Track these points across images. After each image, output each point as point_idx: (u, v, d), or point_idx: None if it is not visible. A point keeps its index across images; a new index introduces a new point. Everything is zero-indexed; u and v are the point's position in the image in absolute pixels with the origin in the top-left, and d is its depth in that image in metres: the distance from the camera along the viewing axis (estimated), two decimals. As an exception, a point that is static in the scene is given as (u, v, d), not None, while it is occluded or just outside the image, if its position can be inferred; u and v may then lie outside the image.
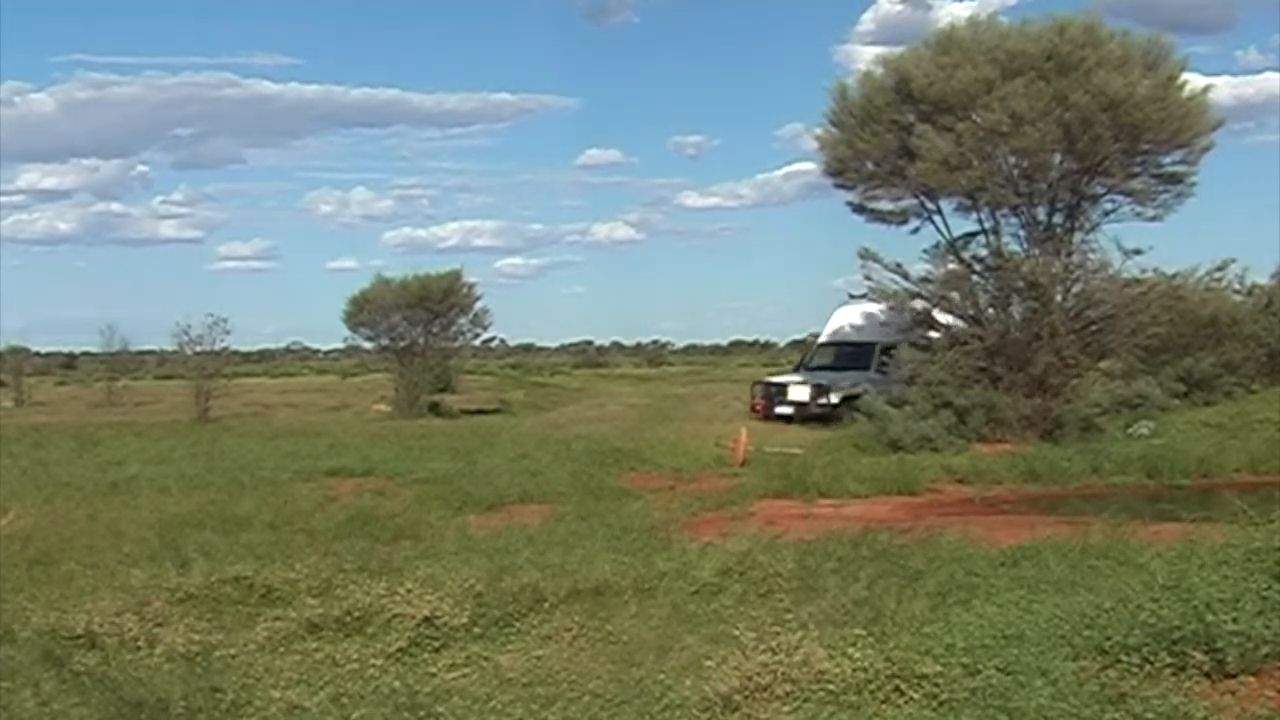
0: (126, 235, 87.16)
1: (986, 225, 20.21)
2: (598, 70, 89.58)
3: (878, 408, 18.81)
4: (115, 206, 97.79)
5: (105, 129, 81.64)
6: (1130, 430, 18.46)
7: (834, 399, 21.93)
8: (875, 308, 23.24)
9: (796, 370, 24.76)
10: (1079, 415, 18.47)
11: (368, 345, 33.94)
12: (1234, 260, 22.11)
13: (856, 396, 20.95)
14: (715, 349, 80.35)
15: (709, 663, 5.68)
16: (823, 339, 25.56)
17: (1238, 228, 56.97)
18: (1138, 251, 19.35)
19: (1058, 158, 19.43)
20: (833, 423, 21.09)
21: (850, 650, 5.61)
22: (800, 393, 22.52)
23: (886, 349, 22.27)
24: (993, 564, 8.15)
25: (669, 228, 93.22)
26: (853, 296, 23.94)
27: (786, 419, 22.02)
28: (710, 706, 5.29)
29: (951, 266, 20.35)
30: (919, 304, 20.70)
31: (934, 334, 20.62)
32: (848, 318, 24.76)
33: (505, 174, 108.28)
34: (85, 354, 54.31)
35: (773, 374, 26.07)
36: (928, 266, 20.65)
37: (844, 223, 22.23)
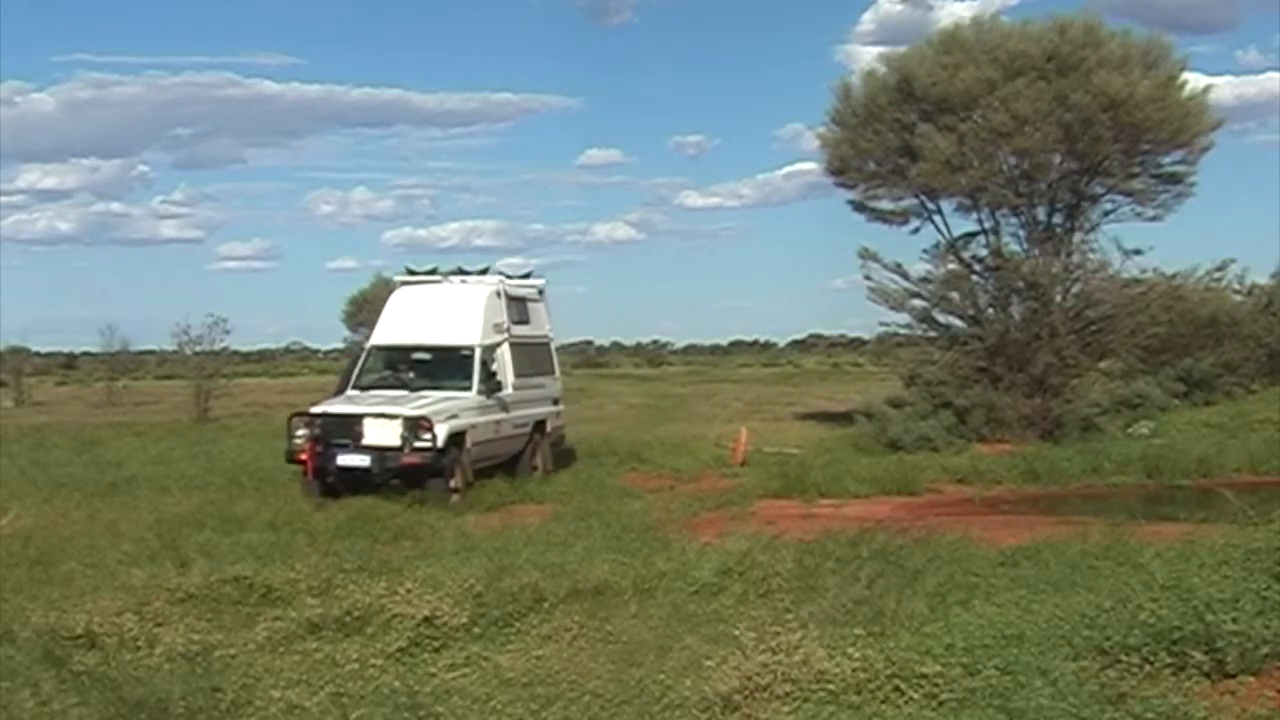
0: (126, 235, 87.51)
1: (986, 225, 20.25)
2: (598, 70, 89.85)
3: (877, 408, 18.73)
4: (115, 206, 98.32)
5: (106, 129, 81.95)
6: (1130, 430, 18.45)
7: (439, 439, 13.01)
8: (465, 291, 15.22)
9: (342, 391, 14.49)
10: (1079, 415, 18.46)
11: (367, 345, 33.91)
12: (1234, 260, 22.27)
13: (463, 434, 13.52)
14: (715, 349, 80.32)
15: (709, 663, 5.68)
16: (380, 340, 15.24)
17: (1238, 228, 57.03)
18: (1138, 251, 19.40)
19: (1058, 158, 19.45)
20: (431, 479, 12.90)
21: (850, 650, 5.61)
22: (384, 432, 13.04)
23: (487, 354, 14.52)
24: (992, 564, 8.16)
25: (669, 228, 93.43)
26: (412, 272, 16.08)
27: (358, 477, 12.97)
28: (710, 706, 5.29)
29: (951, 266, 20.35)
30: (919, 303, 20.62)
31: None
32: (418, 306, 15.24)
33: (506, 174, 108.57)
34: (85, 354, 54.32)
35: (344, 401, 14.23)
36: (928, 266, 20.65)
37: (844, 222, 22.14)
